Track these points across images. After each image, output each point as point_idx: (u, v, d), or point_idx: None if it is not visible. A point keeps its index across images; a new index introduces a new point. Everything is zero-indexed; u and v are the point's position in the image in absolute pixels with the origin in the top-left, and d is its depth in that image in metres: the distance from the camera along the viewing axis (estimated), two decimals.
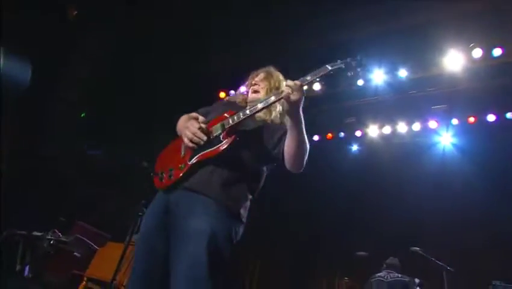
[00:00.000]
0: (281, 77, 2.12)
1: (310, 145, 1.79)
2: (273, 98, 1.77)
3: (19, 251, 3.63)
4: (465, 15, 4.44)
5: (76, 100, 5.42)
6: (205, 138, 1.74)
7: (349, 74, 1.79)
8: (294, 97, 1.63)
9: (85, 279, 4.00)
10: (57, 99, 5.31)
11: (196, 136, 1.74)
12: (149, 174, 1.86)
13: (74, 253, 4.14)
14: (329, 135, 6.32)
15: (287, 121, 1.77)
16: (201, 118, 1.91)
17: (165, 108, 4.95)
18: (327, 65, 1.74)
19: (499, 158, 5.03)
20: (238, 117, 1.77)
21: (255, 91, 2.06)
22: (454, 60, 4.91)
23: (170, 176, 1.75)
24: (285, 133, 1.87)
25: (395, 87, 5.46)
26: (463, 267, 4.13)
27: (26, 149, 4.92)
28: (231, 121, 1.77)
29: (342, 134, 6.30)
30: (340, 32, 4.71)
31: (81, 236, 3.79)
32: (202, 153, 1.73)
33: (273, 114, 1.93)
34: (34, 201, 4.71)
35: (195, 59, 5.48)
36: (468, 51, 4.81)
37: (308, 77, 1.72)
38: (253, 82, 2.11)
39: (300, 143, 1.73)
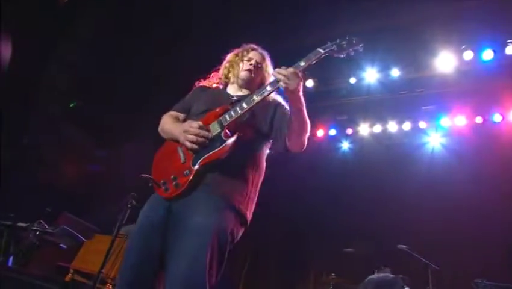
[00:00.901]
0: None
1: None
2: (269, 88, 1.72)
3: (2, 242, 3.55)
4: (458, 17, 4.48)
5: (65, 88, 5.32)
6: (210, 137, 1.66)
7: (341, 56, 1.74)
8: (291, 85, 1.61)
9: (71, 270, 3.95)
10: (44, 87, 5.19)
11: (199, 137, 1.65)
12: (148, 183, 1.76)
13: (60, 245, 4.07)
14: (320, 132, 6.34)
15: (288, 105, 1.76)
16: (181, 116, 1.92)
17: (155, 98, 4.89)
18: (319, 49, 1.72)
19: (486, 159, 5.11)
20: (236, 113, 1.69)
21: (248, 70, 1.98)
22: (445, 61, 4.97)
23: (176, 185, 1.64)
24: (275, 109, 1.88)
25: (387, 86, 5.51)
26: (448, 264, 4.20)
27: (11, 137, 4.80)
28: (228, 118, 1.69)
29: (333, 132, 6.33)
30: (332, 30, 4.71)
31: (67, 228, 3.72)
32: (206, 155, 1.64)
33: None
34: (19, 191, 4.62)
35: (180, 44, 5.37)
36: (460, 53, 4.87)
37: (302, 63, 1.68)
38: (247, 58, 2.02)
39: (304, 124, 1.75)
